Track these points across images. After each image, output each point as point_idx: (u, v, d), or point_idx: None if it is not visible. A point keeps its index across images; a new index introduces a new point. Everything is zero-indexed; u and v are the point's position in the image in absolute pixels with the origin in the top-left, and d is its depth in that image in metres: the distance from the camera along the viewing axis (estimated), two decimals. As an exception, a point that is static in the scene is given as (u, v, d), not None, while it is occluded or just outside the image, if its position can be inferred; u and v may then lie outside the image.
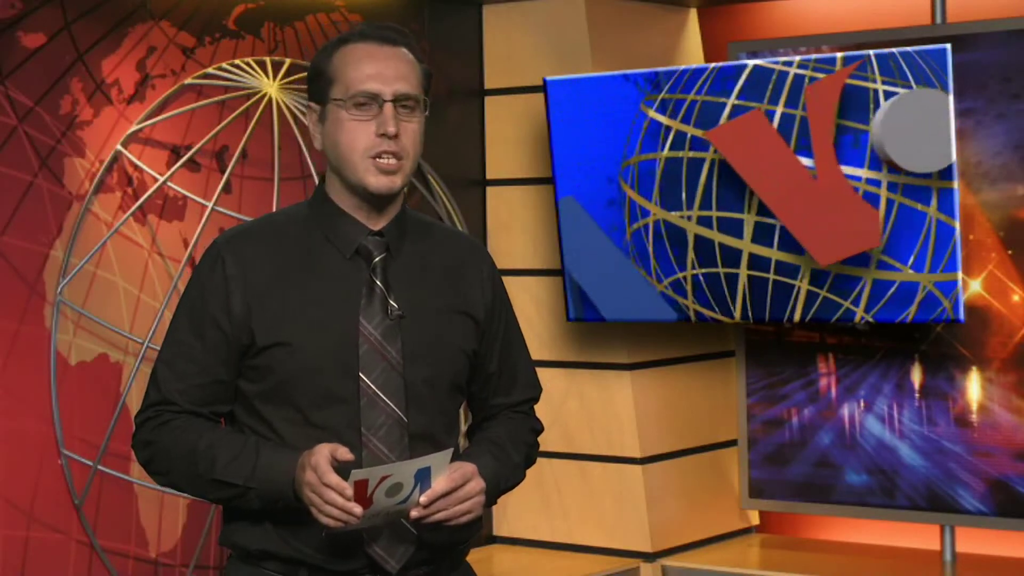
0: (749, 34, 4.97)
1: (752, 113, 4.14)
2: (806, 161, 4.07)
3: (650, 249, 4.37)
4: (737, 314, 4.29)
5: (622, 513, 4.73)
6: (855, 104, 4.07)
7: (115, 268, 3.96)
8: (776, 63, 4.17)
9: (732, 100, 4.20)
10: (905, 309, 4.14)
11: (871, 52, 4.08)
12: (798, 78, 4.12)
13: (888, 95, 4.04)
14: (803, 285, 4.19)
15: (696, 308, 4.36)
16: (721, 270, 4.28)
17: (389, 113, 2.55)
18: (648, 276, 4.40)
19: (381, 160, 2.55)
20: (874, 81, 4.07)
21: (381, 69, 2.55)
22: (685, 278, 4.33)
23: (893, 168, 4.03)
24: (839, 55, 4.11)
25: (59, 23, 3.85)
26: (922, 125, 3.98)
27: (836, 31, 4.73)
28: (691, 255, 4.29)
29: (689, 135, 4.25)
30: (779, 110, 4.14)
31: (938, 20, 4.54)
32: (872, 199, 4.08)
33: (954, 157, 3.99)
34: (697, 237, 4.28)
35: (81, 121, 3.90)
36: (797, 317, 4.22)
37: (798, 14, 4.93)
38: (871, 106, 4.06)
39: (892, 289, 4.12)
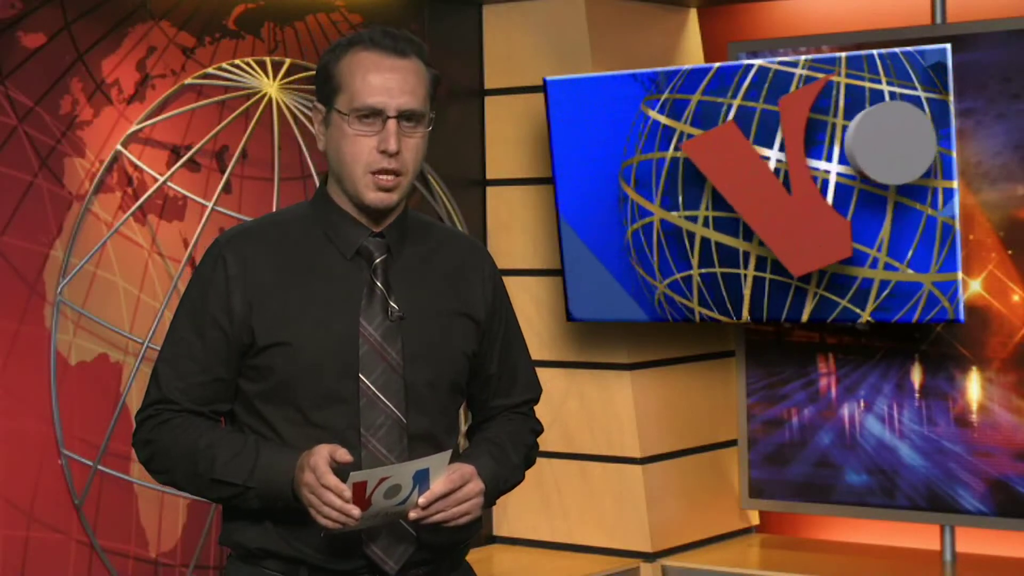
0: (749, 34, 4.97)
1: (726, 125, 4.15)
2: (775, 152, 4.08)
3: (650, 249, 4.36)
4: (745, 314, 4.28)
5: (622, 513, 4.73)
6: (855, 104, 4.07)
7: (115, 268, 3.96)
8: (776, 63, 4.17)
9: (736, 100, 4.20)
10: (904, 309, 4.13)
11: (874, 52, 4.08)
12: (799, 78, 4.12)
13: (891, 95, 4.04)
14: (802, 285, 4.19)
15: (698, 308, 4.35)
16: (719, 270, 4.27)
17: (391, 130, 2.54)
18: (648, 276, 4.40)
19: (380, 177, 2.55)
20: (874, 81, 4.07)
21: (387, 83, 2.54)
22: (687, 278, 4.33)
23: (865, 179, 4.04)
24: (839, 55, 4.11)
25: (59, 23, 3.85)
26: (893, 137, 3.99)
27: (836, 31, 4.73)
28: (696, 255, 4.29)
29: (688, 135, 4.25)
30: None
31: (938, 20, 4.54)
32: (873, 199, 4.08)
33: (925, 169, 3.99)
34: (700, 237, 4.28)
35: (81, 121, 3.90)
36: (805, 317, 4.22)
37: (798, 14, 4.93)
38: (868, 106, 4.06)
39: (891, 289, 4.12)
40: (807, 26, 4.89)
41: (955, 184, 4.05)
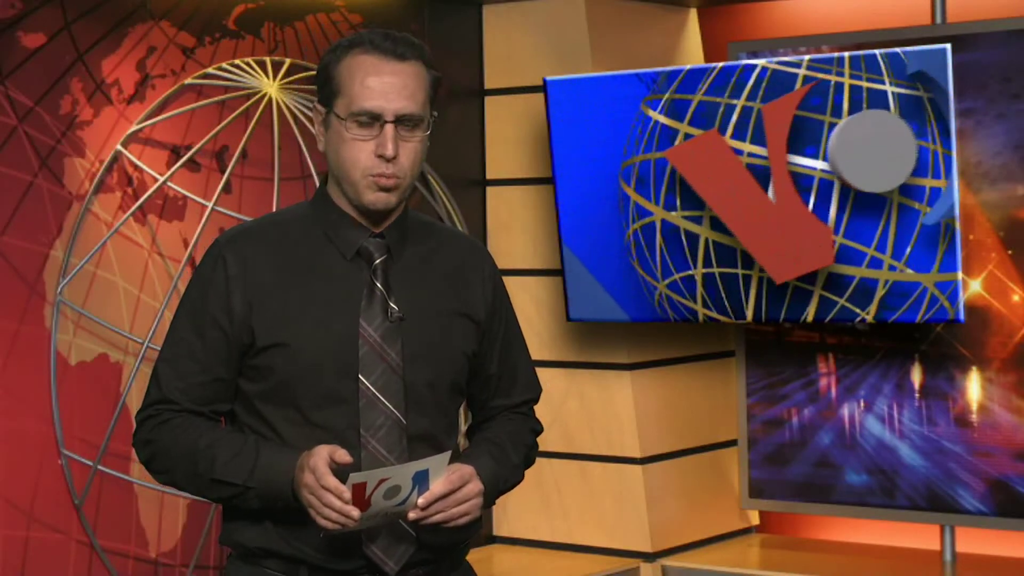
0: (749, 34, 4.97)
1: (709, 133, 4.15)
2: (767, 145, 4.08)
3: (650, 250, 4.36)
4: (749, 315, 4.28)
5: (622, 513, 4.73)
6: (854, 105, 4.06)
7: (115, 268, 3.96)
8: (776, 63, 4.17)
9: (736, 101, 4.20)
10: (904, 308, 4.13)
11: (875, 52, 4.08)
12: (799, 78, 4.12)
13: (892, 95, 4.04)
14: (802, 286, 4.19)
15: (700, 309, 4.35)
16: (719, 270, 4.27)
17: (389, 134, 2.53)
18: (648, 277, 4.40)
19: (379, 178, 2.55)
20: (874, 81, 4.07)
21: (385, 87, 2.53)
22: (687, 278, 4.33)
23: (845, 186, 4.06)
24: (839, 55, 4.11)
25: (59, 23, 3.85)
26: (873, 146, 4.00)
27: (836, 31, 4.73)
28: (700, 256, 4.29)
29: (688, 135, 4.25)
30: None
31: (938, 20, 4.54)
32: (873, 199, 4.08)
33: (906, 176, 4.00)
34: (702, 237, 4.28)
35: (81, 121, 3.90)
36: (810, 317, 4.21)
37: (798, 14, 4.93)
38: (866, 107, 4.06)
39: (891, 288, 4.12)
40: (807, 26, 4.89)
41: (955, 184, 4.05)
